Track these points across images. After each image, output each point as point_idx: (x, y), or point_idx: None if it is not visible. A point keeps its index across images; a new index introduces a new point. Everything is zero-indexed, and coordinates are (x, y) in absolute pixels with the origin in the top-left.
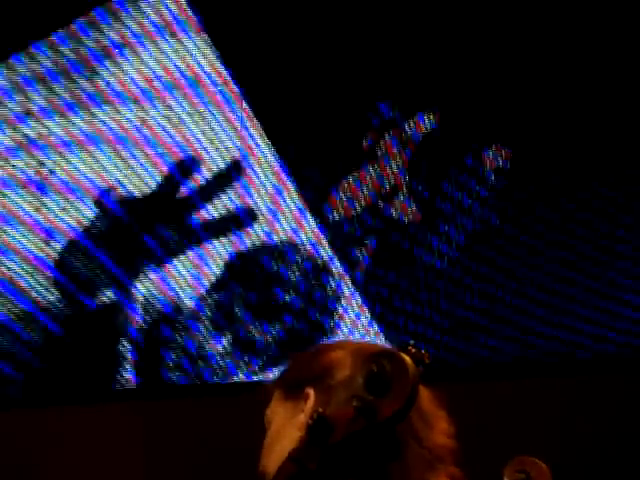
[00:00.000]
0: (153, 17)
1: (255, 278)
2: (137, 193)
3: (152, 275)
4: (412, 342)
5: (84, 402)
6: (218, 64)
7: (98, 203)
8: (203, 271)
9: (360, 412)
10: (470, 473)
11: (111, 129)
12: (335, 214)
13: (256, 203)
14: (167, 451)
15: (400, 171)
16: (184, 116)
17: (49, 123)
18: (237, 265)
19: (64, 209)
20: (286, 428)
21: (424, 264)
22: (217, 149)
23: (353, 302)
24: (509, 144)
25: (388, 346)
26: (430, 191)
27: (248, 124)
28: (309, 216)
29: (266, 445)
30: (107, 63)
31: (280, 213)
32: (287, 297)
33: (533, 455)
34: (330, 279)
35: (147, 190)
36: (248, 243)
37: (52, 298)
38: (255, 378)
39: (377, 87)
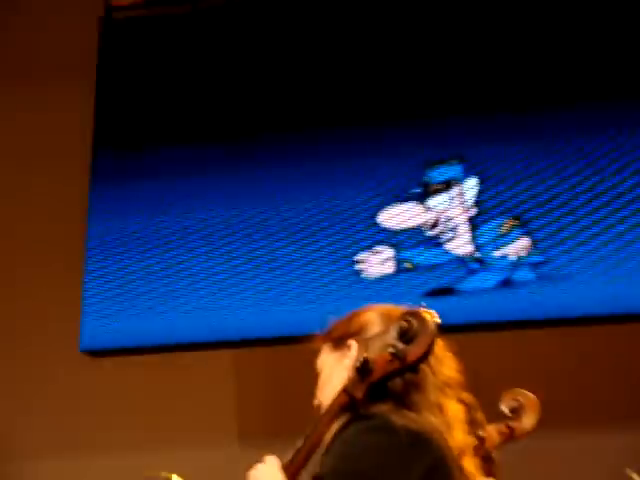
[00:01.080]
0: None
1: None
2: None
3: None
4: (424, 304)
5: None
6: None
7: None
8: None
9: (394, 356)
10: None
11: None
12: None
13: None
14: None
15: None
16: None
17: None
18: None
19: None
20: (335, 371)
21: None
22: None
23: None
24: None
25: (406, 307)
26: None
27: None
28: None
29: (320, 385)
30: None
31: None
32: None
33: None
34: None
35: None
36: None
37: None
38: None
39: None
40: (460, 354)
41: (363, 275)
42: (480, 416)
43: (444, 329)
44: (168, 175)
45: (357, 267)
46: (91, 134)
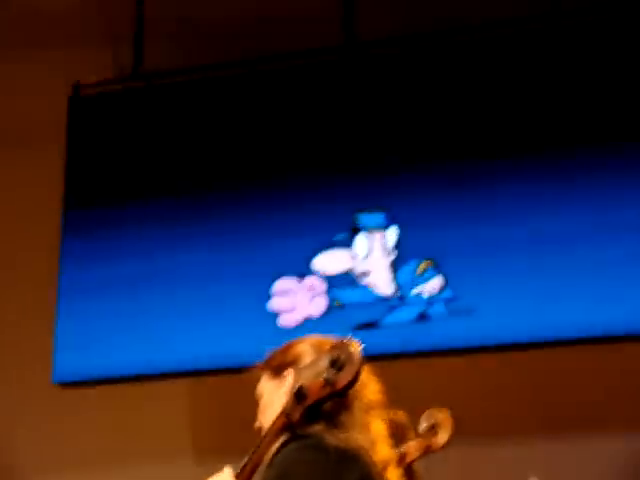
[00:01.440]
0: None
1: None
2: None
3: None
4: (351, 335)
5: None
6: None
7: None
8: None
9: (326, 383)
10: None
11: None
12: None
13: None
14: None
15: None
16: None
17: None
18: None
19: None
20: (274, 397)
21: None
22: None
23: None
24: None
25: (335, 338)
26: None
27: None
28: None
29: (261, 409)
30: None
31: None
32: None
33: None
34: None
35: None
36: None
37: None
38: None
39: None
40: (383, 379)
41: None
42: (411, 433)
43: (369, 358)
44: (131, 227)
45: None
46: (62, 189)
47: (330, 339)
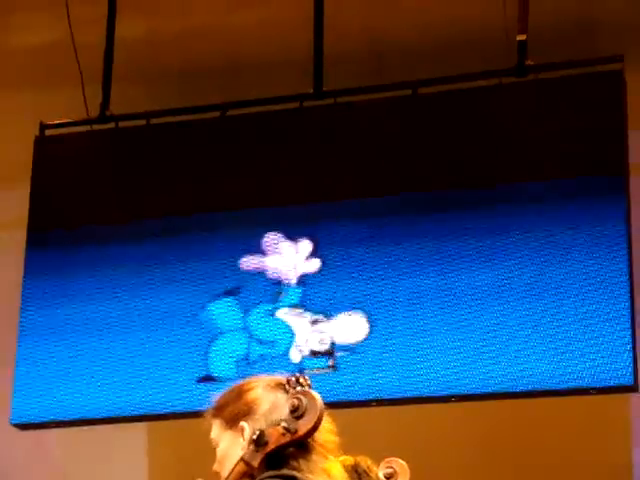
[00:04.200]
0: None
1: None
2: None
3: None
4: (304, 373)
5: None
6: None
7: None
8: None
9: (287, 430)
10: None
11: None
12: None
13: None
14: None
15: None
16: None
17: None
18: None
19: None
20: (231, 449)
21: None
22: None
23: None
24: None
25: (284, 377)
26: None
27: None
28: None
29: (219, 459)
30: None
31: None
32: None
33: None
34: None
35: None
36: None
37: None
38: None
39: None
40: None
41: None
42: (375, 476)
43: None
44: (92, 270)
45: None
46: (25, 235)
47: (279, 379)
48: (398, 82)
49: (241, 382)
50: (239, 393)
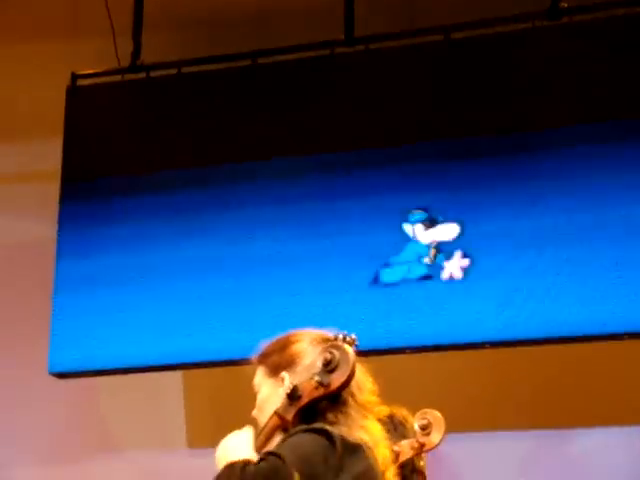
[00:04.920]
0: None
1: None
2: None
3: None
4: (346, 332)
5: None
6: None
7: None
8: None
9: (320, 384)
10: None
11: None
12: None
13: None
14: None
15: None
16: None
17: None
18: None
19: None
20: (271, 397)
21: None
22: None
23: None
24: None
25: (332, 333)
26: None
27: None
28: None
29: (258, 404)
30: None
31: None
32: None
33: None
34: None
35: None
36: None
37: None
38: None
39: None
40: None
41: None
42: (411, 426)
43: (366, 353)
44: (125, 220)
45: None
46: (60, 185)
47: (327, 335)
48: (430, 27)
49: (290, 333)
50: (285, 344)
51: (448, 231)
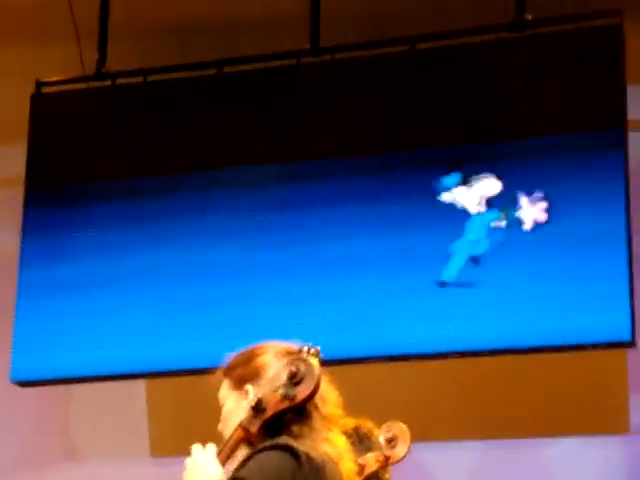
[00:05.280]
0: None
1: None
2: None
3: None
4: (310, 344)
5: None
6: None
7: None
8: None
9: (284, 397)
10: None
11: None
12: None
13: None
14: None
15: None
16: None
17: None
18: None
19: None
20: (235, 409)
21: None
22: None
23: None
24: None
25: (297, 346)
26: None
27: None
28: None
29: (223, 418)
30: None
31: None
32: None
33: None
34: None
35: None
36: None
37: None
38: None
39: None
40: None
41: None
42: (376, 439)
43: (331, 363)
44: (88, 227)
45: None
46: (24, 192)
47: (292, 347)
48: (395, 38)
49: (254, 346)
50: (250, 356)
51: (491, 185)
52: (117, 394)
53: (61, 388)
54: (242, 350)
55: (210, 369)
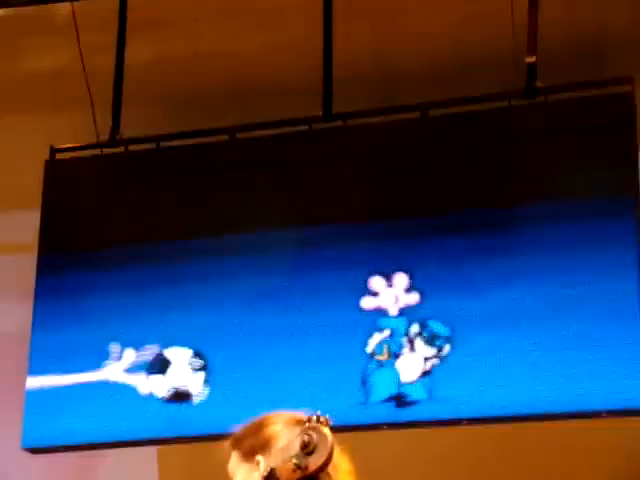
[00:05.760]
0: None
1: None
2: None
3: None
4: (319, 412)
5: None
6: None
7: None
8: None
9: (297, 467)
10: None
11: None
12: None
13: None
14: None
15: None
16: None
17: None
18: None
19: None
20: None
21: None
22: None
23: None
24: None
25: (305, 414)
26: None
27: None
28: None
29: None
30: None
31: None
32: None
33: None
34: None
35: None
36: None
37: None
38: None
39: None
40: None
41: None
42: None
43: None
44: (103, 292)
45: None
46: (36, 263)
47: (301, 416)
48: (407, 104)
49: (262, 416)
50: (259, 427)
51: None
52: (128, 459)
53: (72, 454)
54: (250, 421)
55: (221, 435)
